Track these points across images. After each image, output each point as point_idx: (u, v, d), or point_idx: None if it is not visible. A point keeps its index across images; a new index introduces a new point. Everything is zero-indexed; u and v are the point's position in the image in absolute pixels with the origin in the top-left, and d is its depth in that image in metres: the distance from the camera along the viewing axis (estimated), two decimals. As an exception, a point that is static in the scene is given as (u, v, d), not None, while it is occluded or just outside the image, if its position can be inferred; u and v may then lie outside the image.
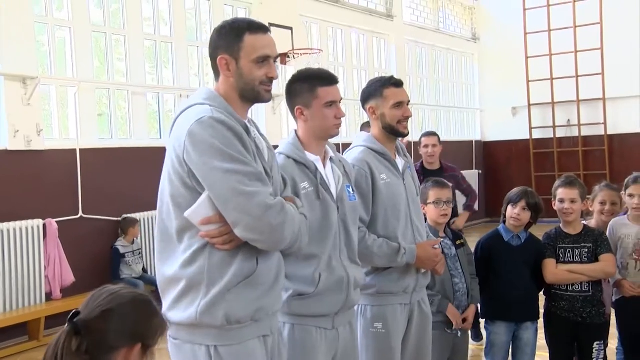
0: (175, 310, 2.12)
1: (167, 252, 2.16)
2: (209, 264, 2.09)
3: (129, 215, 6.93)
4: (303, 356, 2.52)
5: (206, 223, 2.07)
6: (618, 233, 3.79)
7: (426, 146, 5.77)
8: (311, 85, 2.64)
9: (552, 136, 12.95)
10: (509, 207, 3.69)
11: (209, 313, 2.08)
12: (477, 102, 14.18)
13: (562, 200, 3.65)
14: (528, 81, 12.84)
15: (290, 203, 2.18)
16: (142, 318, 1.64)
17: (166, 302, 2.16)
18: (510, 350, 3.76)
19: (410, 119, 3.15)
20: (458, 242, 3.62)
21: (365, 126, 5.18)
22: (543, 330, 3.77)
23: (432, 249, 3.06)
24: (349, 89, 10.76)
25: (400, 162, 3.14)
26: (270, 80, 2.25)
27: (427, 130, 6.81)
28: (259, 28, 2.25)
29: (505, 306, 3.63)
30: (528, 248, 3.68)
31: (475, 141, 13.76)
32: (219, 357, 2.10)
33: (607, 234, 3.74)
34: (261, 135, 2.30)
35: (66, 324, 1.59)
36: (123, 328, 1.60)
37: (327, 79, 2.67)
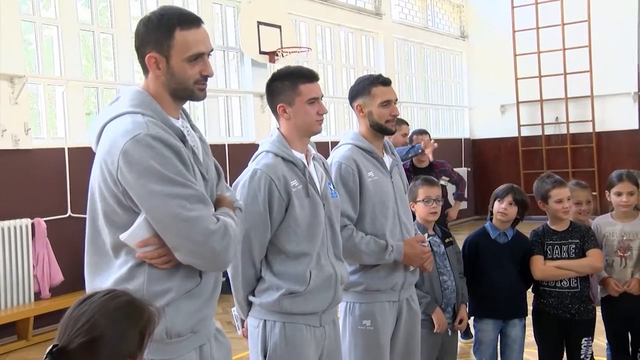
0: None
1: (100, 265, 2.03)
2: (148, 281, 1.97)
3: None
4: (294, 354, 2.52)
5: (143, 245, 1.95)
6: (602, 231, 3.81)
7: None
8: (293, 82, 2.63)
9: (540, 134, 13.02)
10: (496, 203, 3.72)
11: None
12: (466, 99, 14.24)
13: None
14: (516, 79, 12.89)
15: (225, 209, 2.08)
16: (131, 331, 1.54)
17: None
18: (499, 347, 3.79)
19: (397, 117, 3.17)
20: (447, 241, 3.64)
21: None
22: (532, 327, 3.80)
23: (420, 245, 3.07)
24: (338, 87, 10.77)
25: (387, 159, 3.15)
26: (205, 78, 2.07)
27: (418, 128, 6.84)
28: (191, 22, 2.05)
29: (493, 304, 3.65)
30: (515, 245, 3.71)
31: (464, 139, 13.81)
32: None
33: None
34: (193, 127, 2.18)
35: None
36: (113, 351, 1.51)
37: (308, 76, 2.67)
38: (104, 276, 2.02)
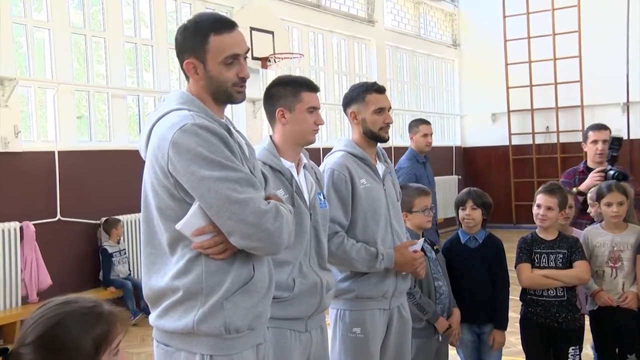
0: (168, 317, 2.05)
1: (158, 264, 2.08)
2: (206, 273, 2.02)
3: (110, 217, 6.89)
4: (278, 359, 2.52)
5: (199, 234, 2.01)
6: (593, 242, 3.84)
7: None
8: (295, 89, 2.67)
9: (531, 142, 13.08)
10: (459, 211, 3.76)
11: (206, 322, 2.02)
12: (458, 108, 14.30)
13: (539, 206, 3.71)
14: (508, 88, 12.97)
15: (279, 202, 2.13)
16: (83, 340, 1.50)
17: (156, 310, 2.09)
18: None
19: (390, 124, 3.18)
20: (434, 248, 3.66)
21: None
22: (519, 336, 3.81)
23: (410, 252, 3.07)
24: (330, 94, 10.78)
25: (380, 167, 3.16)
26: (242, 79, 2.15)
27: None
28: (224, 26, 2.12)
29: (467, 308, 3.64)
30: (485, 248, 3.73)
31: (455, 147, 13.86)
32: None
33: (581, 242, 3.78)
34: (238, 132, 2.24)
35: None
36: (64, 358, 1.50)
37: (311, 85, 2.72)
38: (160, 273, 2.07)
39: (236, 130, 2.22)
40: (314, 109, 2.67)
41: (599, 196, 3.90)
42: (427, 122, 5.82)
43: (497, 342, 3.68)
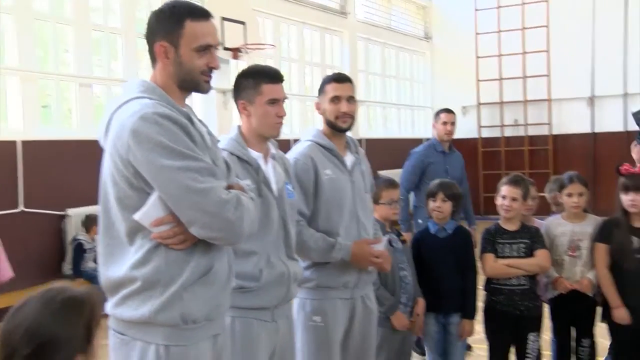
0: (125, 307, 2.03)
1: (115, 254, 2.05)
2: (165, 263, 2.00)
3: (92, 214, 6.77)
4: (244, 348, 2.52)
5: (158, 224, 1.99)
6: (554, 231, 3.91)
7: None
8: (256, 81, 2.65)
9: (500, 135, 13.24)
10: (430, 201, 3.80)
11: (164, 312, 2.00)
12: (429, 100, 14.38)
13: (504, 197, 3.76)
14: (478, 81, 13.09)
15: (240, 192, 2.13)
16: (77, 328, 1.51)
17: (114, 298, 2.07)
18: None
19: (356, 115, 3.18)
20: (401, 239, 3.69)
21: None
22: (482, 324, 3.87)
23: (369, 248, 3.05)
24: (302, 85, 10.77)
25: (349, 158, 3.17)
26: (211, 70, 2.15)
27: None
28: (201, 14, 2.13)
29: (434, 298, 3.69)
30: (455, 239, 3.77)
31: (426, 139, 13.93)
32: (168, 356, 2.03)
33: (543, 232, 3.85)
34: (200, 121, 2.22)
35: None
36: (63, 354, 1.48)
37: (272, 76, 2.68)
38: (118, 263, 2.05)
39: (198, 120, 2.20)
40: (275, 101, 2.65)
41: (561, 187, 3.97)
42: (449, 111, 5.61)
43: (466, 331, 3.73)
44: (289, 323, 2.74)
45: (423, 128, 14.27)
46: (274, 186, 2.65)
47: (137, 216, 1.99)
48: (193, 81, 2.14)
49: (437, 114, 5.60)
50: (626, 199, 3.71)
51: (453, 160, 5.55)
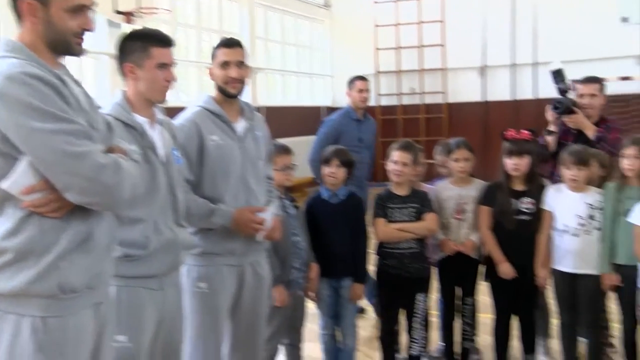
0: None
1: None
2: (40, 232, 1.90)
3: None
4: (130, 318, 2.47)
5: (29, 192, 1.87)
6: (441, 195, 4.07)
7: (361, 90, 5.54)
8: (145, 44, 2.55)
9: (397, 103, 13.55)
10: (324, 166, 3.85)
11: (39, 282, 1.91)
12: (329, 68, 14.46)
13: (395, 162, 3.86)
14: (376, 49, 13.29)
15: (121, 155, 2.05)
16: None
17: None
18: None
19: (248, 80, 3.14)
20: (294, 204, 3.72)
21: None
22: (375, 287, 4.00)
23: (252, 215, 3.02)
24: (200, 53, 10.53)
25: (242, 125, 3.13)
26: (84, 32, 2.03)
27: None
28: None
29: (326, 263, 3.76)
30: (347, 205, 3.84)
31: (327, 107, 14.06)
32: (46, 329, 1.94)
33: (432, 196, 4.00)
34: (76, 82, 2.11)
35: None
36: None
37: (162, 40, 2.60)
38: None
39: (74, 80, 2.09)
40: (165, 65, 2.58)
41: (448, 152, 4.13)
42: (364, 79, 5.71)
43: (356, 294, 3.83)
44: (178, 291, 2.70)
45: (322, 96, 14.37)
46: (160, 151, 2.59)
47: (5, 184, 1.88)
48: (64, 43, 2.01)
49: (352, 81, 5.67)
50: (509, 163, 3.89)
51: (367, 127, 5.64)
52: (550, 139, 4.34)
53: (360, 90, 5.57)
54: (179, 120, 3.01)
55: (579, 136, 4.26)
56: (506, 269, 3.87)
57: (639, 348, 3.74)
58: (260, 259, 3.21)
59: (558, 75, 4.47)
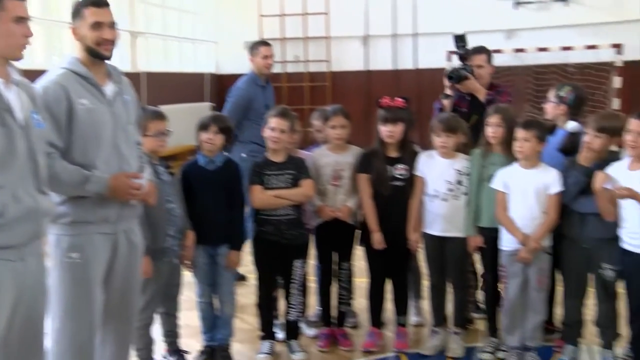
0: None
1: None
2: None
3: None
4: None
5: None
6: (319, 162, 4.11)
7: (266, 57, 5.65)
8: None
9: (282, 71, 13.50)
10: (202, 133, 3.80)
11: None
12: (212, 34, 14.14)
13: (272, 129, 3.85)
14: (260, 16, 13.13)
15: None
16: None
17: None
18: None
19: (119, 44, 3.01)
20: (168, 170, 3.64)
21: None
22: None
23: (128, 180, 2.93)
24: (46, 8, 9.83)
25: (110, 88, 3.00)
26: None
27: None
28: None
29: (203, 230, 3.74)
30: (223, 172, 3.82)
31: (211, 74, 13.78)
32: None
33: (310, 163, 4.03)
34: None
35: None
36: None
37: None
38: None
39: None
40: (22, 19, 2.41)
41: (325, 119, 4.16)
42: (267, 44, 5.72)
43: (232, 262, 3.82)
44: (40, 262, 2.56)
45: (205, 63, 14.05)
46: (18, 114, 2.42)
47: None
48: None
49: (255, 47, 5.65)
50: (384, 130, 3.99)
51: (270, 93, 5.71)
52: (447, 102, 4.57)
53: (265, 57, 5.63)
54: (42, 82, 2.83)
55: (472, 100, 4.47)
56: (378, 239, 3.98)
57: (500, 302, 3.99)
58: (133, 226, 3.12)
59: (460, 40, 4.65)
